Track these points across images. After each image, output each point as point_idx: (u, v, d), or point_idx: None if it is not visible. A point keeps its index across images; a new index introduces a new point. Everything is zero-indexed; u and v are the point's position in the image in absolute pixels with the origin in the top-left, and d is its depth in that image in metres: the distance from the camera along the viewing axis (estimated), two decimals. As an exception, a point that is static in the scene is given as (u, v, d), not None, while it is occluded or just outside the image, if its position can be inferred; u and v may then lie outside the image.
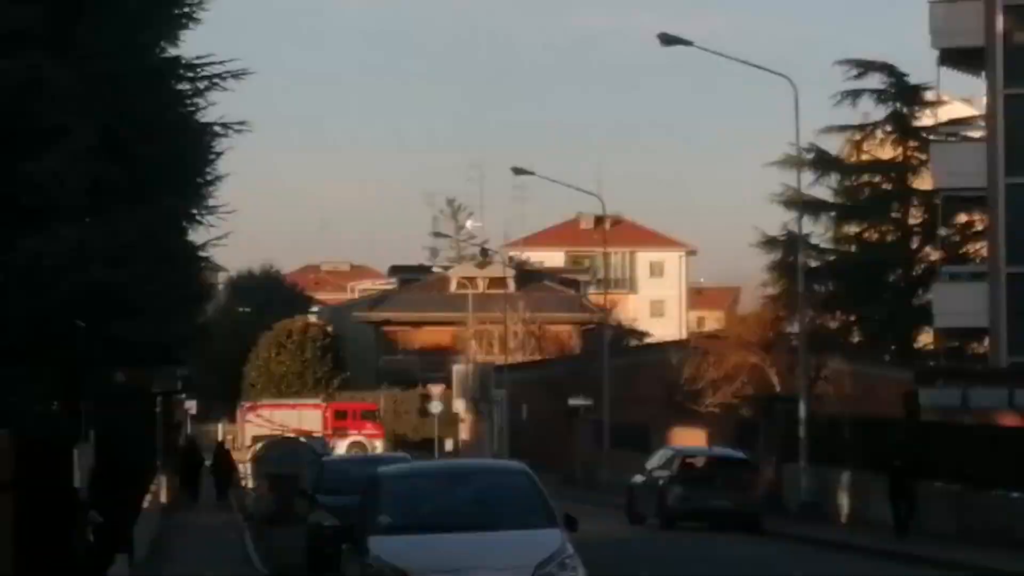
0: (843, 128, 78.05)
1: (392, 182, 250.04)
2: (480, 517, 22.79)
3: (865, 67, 77.59)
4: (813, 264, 71.52)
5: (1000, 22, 61.36)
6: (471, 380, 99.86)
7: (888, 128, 77.85)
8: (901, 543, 40.66)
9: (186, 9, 33.55)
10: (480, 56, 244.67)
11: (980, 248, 69.78)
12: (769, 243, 77.02)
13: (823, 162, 76.95)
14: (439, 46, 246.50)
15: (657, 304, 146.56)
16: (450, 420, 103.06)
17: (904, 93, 77.13)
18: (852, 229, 78.54)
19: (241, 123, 35.81)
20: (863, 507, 50.66)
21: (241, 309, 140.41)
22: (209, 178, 37.21)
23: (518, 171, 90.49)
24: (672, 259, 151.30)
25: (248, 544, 45.01)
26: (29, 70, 27.83)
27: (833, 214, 78.03)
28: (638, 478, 54.43)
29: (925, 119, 76.23)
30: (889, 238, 77.85)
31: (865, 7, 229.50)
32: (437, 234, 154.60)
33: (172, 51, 34.07)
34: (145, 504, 42.65)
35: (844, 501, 52.13)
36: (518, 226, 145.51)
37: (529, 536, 22.17)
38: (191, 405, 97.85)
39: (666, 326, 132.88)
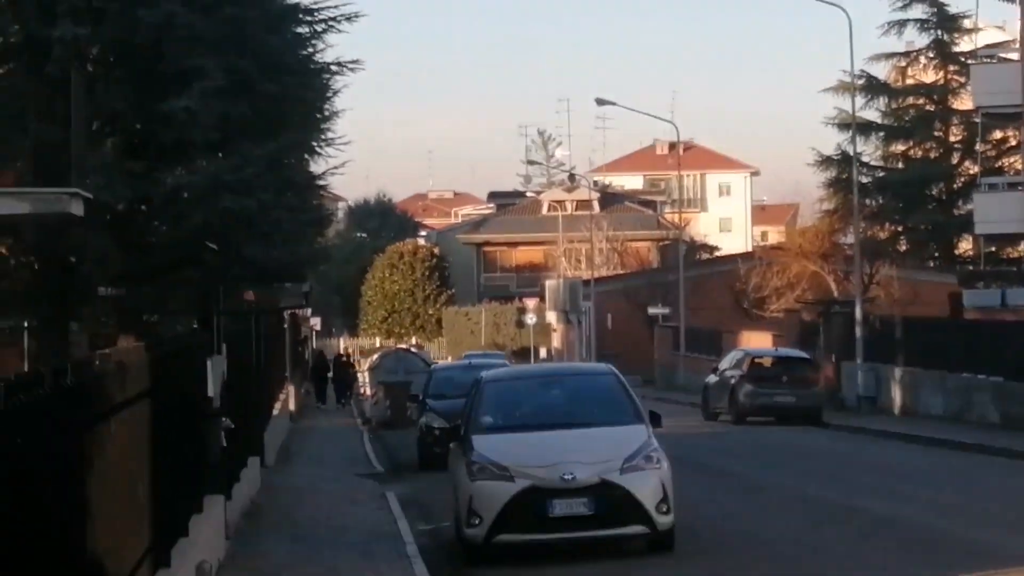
0: (890, 55, 77.62)
1: (489, 117, 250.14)
2: (572, 416, 22.90)
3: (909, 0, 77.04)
4: (864, 180, 71.01)
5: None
6: (561, 293, 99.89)
7: (930, 54, 77.25)
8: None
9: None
10: (570, 8, 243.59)
11: (1015, 161, 69.16)
12: (825, 162, 76.96)
13: (872, 87, 76.60)
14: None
15: (725, 221, 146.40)
16: (543, 330, 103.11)
17: (945, 21, 76.47)
18: (899, 147, 78.25)
19: (354, 62, 35.77)
20: (914, 400, 50.71)
21: (358, 234, 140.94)
22: (327, 113, 37.12)
23: (601, 102, 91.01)
24: (738, 180, 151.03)
25: (366, 445, 45.09)
26: (164, 16, 27.72)
27: (882, 134, 77.78)
28: (711, 378, 54.57)
29: (964, 45, 75.75)
30: (932, 155, 77.33)
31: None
32: (530, 162, 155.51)
33: None
34: (275, 411, 42.72)
35: (896, 395, 51.95)
36: (601, 153, 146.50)
37: (617, 432, 22.13)
38: (316, 321, 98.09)
39: (733, 240, 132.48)
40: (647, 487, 21.21)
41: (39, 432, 8.42)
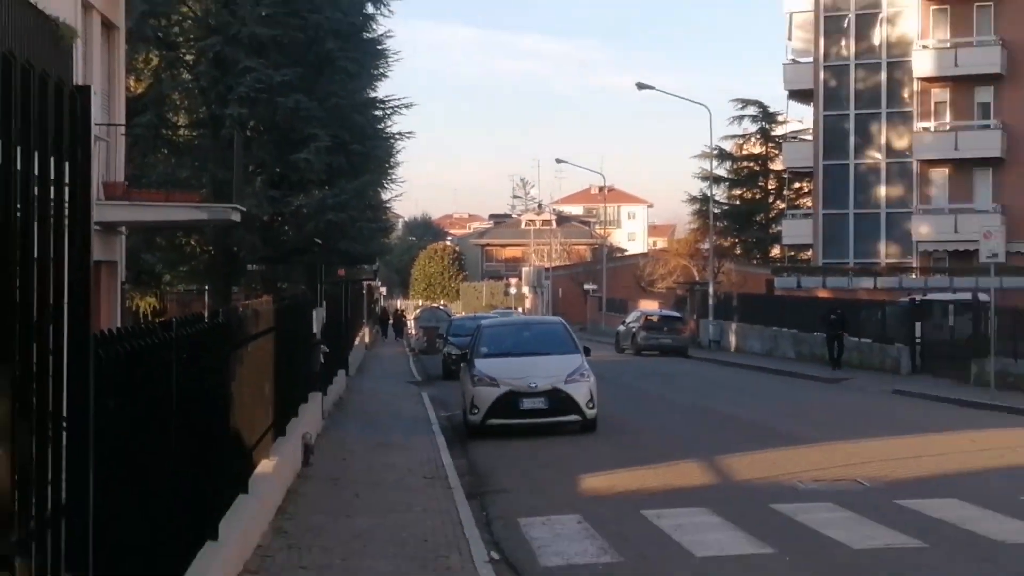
0: (733, 136, 77.56)
1: (492, 168, 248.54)
2: (536, 348, 22.71)
3: (746, 102, 77.05)
4: (716, 211, 70.74)
5: (821, 75, 60.34)
6: (532, 276, 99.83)
7: (758, 136, 77.41)
8: (831, 372, 36.48)
9: (380, 71, 33.26)
10: (542, 103, 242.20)
11: (807, 201, 69.08)
12: (692, 200, 76.93)
13: (722, 155, 76.32)
14: (521, 98, 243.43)
15: (631, 234, 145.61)
16: (520, 298, 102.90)
17: (767, 116, 76.54)
18: (737, 192, 78.41)
19: (409, 133, 36.15)
20: (743, 343, 50.46)
21: (410, 238, 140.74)
22: (392, 163, 36.80)
23: (559, 160, 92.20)
24: (640, 209, 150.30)
25: (411, 364, 44.89)
26: (295, 103, 27.47)
27: (727, 183, 77.93)
28: (621, 328, 54.09)
29: (778, 130, 75.77)
30: (757, 196, 77.45)
31: (748, 66, 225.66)
32: (515, 196, 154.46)
33: (372, 93, 33.82)
34: (356, 342, 42.45)
35: (733, 339, 51.60)
36: (558, 191, 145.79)
37: (563, 358, 21.95)
38: (383, 289, 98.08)
39: (636, 246, 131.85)
40: (581, 391, 21.18)
41: (198, 352, 8.18)
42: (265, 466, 12.40)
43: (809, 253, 64.44)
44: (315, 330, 20.09)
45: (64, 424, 5.15)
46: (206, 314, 9.43)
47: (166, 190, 23.00)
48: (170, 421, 7.27)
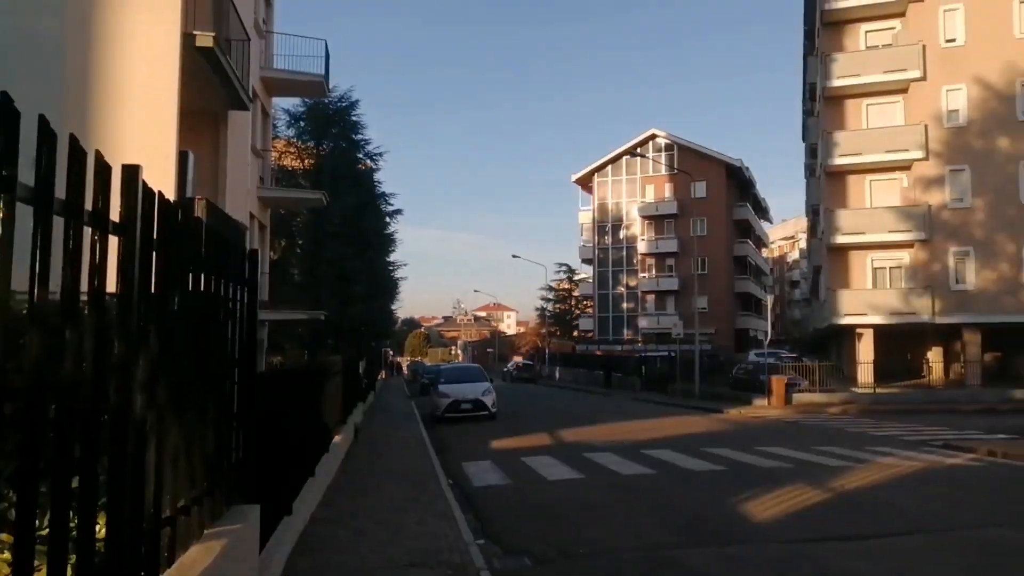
0: (556, 279, 74.17)
1: (439, 294, 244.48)
2: (467, 378, 22.19)
3: (562, 264, 75.19)
4: (548, 315, 70.50)
5: (596, 252, 61.07)
6: (463, 346, 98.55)
7: (567, 279, 72.98)
8: (604, 390, 36.92)
9: (391, 248, 32.56)
10: (467, 263, 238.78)
11: (591, 310, 68.94)
12: (538, 309, 75.13)
13: (551, 288, 73.33)
14: (459, 262, 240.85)
15: (509, 325, 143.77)
16: (457, 356, 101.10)
17: (571, 270, 73.52)
18: (558, 305, 72.61)
19: (404, 277, 36.47)
20: (563, 376, 49.20)
21: (404, 327, 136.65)
22: (397, 292, 36.02)
23: (476, 291, 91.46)
24: (514, 314, 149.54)
25: (405, 388, 43.46)
26: (353, 264, 26.75)
27: (553, 301, 72.69)
28: (505, 368, 53.86)
29: (577, 277, 74.35)
30: (567, 307, 73.20)
31: (564, 245, 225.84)
32: (454, 308, 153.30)
33: (388, 258, 32.91)
34: (378, 377, 41.10)
35: (558, 375, 50.37)
36: (475, 304, 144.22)
37: (480, 384, 21.46)
38: (391, 352, 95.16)
39: (511, 331, 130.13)
40: (489, 400, 20.55)
41: (307, 379, 7.77)
42: (337, 438, 11.80)
43: (592, 334, 64.80)
44: (360, 371, 19.46)
45: (241, 417, 4.83)
46: (309, 363, 8.97)
47: (288, 304, 22.37)
48: (293, 415, 6.87)
